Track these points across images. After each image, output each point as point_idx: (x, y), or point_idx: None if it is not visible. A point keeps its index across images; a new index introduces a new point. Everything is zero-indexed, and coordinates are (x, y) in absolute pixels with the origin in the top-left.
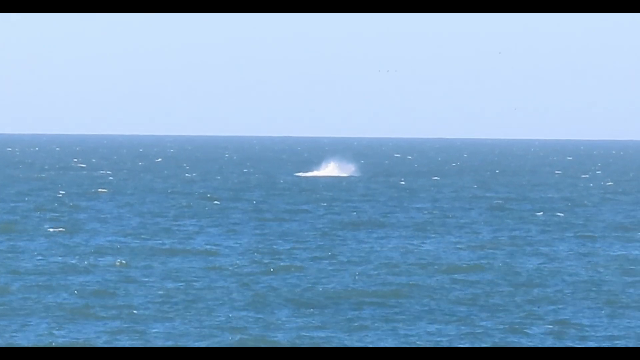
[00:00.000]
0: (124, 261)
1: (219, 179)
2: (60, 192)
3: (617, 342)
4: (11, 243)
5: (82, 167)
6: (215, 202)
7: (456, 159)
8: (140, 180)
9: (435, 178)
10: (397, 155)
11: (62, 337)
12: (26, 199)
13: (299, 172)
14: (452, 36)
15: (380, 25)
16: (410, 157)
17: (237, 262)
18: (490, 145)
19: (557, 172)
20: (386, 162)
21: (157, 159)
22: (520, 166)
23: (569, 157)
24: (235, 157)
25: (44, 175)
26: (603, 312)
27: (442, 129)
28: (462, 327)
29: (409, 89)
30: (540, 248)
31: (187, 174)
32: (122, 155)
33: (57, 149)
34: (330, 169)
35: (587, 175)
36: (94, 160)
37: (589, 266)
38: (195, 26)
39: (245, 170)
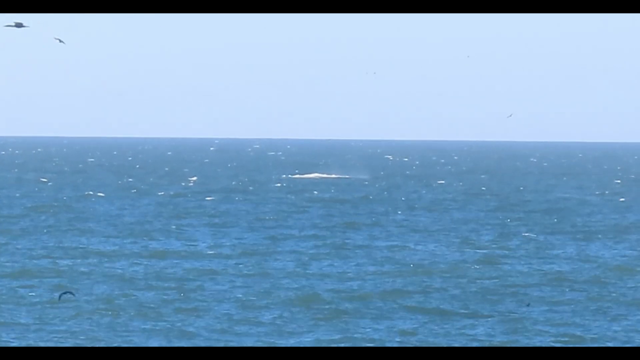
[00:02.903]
0: (120, 262)
1: (217, 180)
2: (60, 194)
3: (616, 342)
4: (10, 244)
5: (81, 167)
6: (213, 203)
7: (451, 161)
8: (138, 182)
9: (441, 182)
10: (390, 157)
11: (60, 338)
12: (25, 200)
13: (296, 174)
14: (449, 38)
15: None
16: (406, 159)
17: (235, 262)
18: (485, 147)
19: (553, 173)
20: (381, 164)
21: (155, 160)
22: (516, 168)
23: (564, 159)
24: (234, 161)
25: (44, 179)
26: (602, 312)
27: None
28: (461, 327)
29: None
30: (538, 249)
31: (184, 176)
32: (119, 157)
33: (53, 149)
34: (327, 172)
35: (583, 177)
36: (92, 162)
37: (588, 266)
38: (192, 28)
39: (242, 173)
